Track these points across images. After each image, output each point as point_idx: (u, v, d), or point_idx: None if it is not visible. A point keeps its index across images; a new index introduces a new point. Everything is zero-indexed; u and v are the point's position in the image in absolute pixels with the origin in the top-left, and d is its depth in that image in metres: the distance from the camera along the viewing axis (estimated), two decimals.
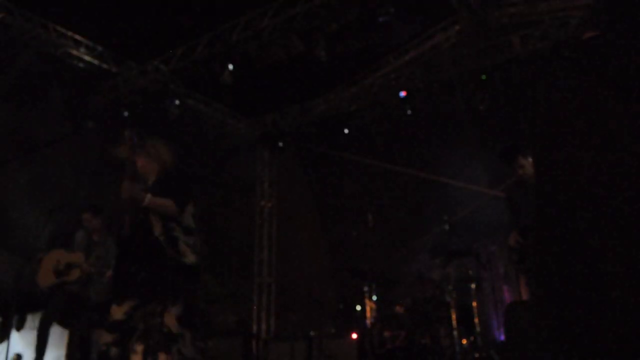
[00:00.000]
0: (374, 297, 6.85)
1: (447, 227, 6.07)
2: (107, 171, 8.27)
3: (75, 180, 7.73)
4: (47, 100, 7.77)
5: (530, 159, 4.22)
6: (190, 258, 3.24)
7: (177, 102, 8.46)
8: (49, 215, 4.83)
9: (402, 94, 8.46)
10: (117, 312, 3.11)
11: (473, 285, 6.32)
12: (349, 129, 9.25)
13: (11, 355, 5.11)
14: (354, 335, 6.50)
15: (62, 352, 5.46)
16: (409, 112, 8.53)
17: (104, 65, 8.22)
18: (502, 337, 6.28)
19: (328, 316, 7.73)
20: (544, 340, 1.34)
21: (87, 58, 8.02)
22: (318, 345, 6.21)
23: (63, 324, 5.27)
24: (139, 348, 2.99)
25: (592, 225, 1.24)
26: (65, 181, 7.55)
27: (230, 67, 7.61)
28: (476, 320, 6.18)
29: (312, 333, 7.05)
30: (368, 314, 6.69)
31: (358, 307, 7.18)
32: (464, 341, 6.16)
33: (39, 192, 7.05)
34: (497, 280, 6.80)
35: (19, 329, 5.47)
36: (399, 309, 6.49)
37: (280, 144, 9.71)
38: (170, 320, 3.06)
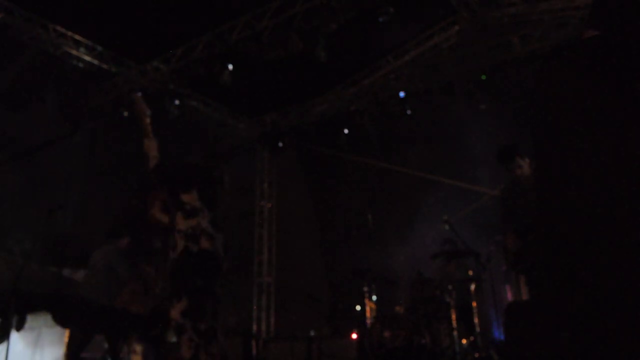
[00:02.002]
0: (374, 297, 6.85)
1: (447, 227, 6.07)
2: (98, 172, 8.30)
3: (69, 180, 7.73)
4: (44, 101, 7.77)
5: (527, 159, 4.21)
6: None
7: (177, 102, 8.45)
8: (48, 215, 4.81)
9: (402, 94, 8.46)
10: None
11: (473, 285, 6.31)
12: (349, 129, 9.24)
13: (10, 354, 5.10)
14: (354, 335, 6.50)
15: (62, 352, 5.46)
16: (409, 112, 8.52)
17: (104, 65, 8.22)
18: (502, 337, 6.28)
19: (324, 316, 7.72)
20: (544, 340, 1.34)
21: (87, 58, 8.02)
22: (318, 345, 6.21)
23: None
24: (139, 348, 3.00)
25: (593, 224, 1.24)
26: (60, 182, 7.55)
27: (230, 67, 7.61)
28: (476, 320, 6.18)
29: (312, 333, 7.05)
30: (368, 314, 6.69)
31: (358, 307, 7.17)
32: (464, 341, 6.15)
33: (38, 192, 7.05)
34: (497, 280, 6.79)
35: (18, 329, 5.46)
36: (399, 309, 6.48)
37: (280, 144, 9.71)
38: (176, 314, 3.12)
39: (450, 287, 6.29)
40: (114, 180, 8.16)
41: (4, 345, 4.71)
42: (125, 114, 8.41)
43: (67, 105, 8.24)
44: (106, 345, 4.94)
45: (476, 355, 5.92)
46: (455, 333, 5.97)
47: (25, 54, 7.53)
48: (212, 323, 3.10)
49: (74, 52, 7.87)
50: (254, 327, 9.63)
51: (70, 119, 8.14)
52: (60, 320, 5.30)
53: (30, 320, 5.56)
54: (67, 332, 5.37)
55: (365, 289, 6.79)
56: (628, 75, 1.24)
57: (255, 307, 9.84)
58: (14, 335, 5.28)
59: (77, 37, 7.85)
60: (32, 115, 7.55)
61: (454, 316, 6.04)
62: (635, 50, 1.26)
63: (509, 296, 6.93)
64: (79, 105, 8.41)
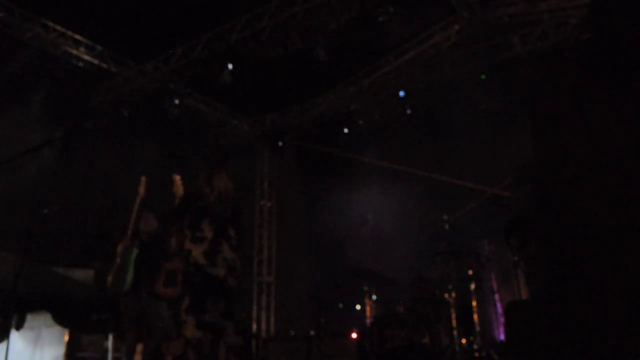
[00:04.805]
0: (374, 297, 6.85)
1: (447, 227, 6.07)
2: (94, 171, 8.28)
3: (66, 180, 7.72)
4: (40, 102, 7.76)
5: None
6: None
7: (177, 101, 8.45)
8: (44, 217, 4.82)
9: (402, 93, 8.46)
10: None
11: (473, 285, 6.31)
12: (349, 129, 9.24)
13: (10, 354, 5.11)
14: (354, 335, 6.50)
15: (61, 352, 5.46)
16: (409, 112, 8.53)
17: (104, 65, 8.22)
18: (502, 337, 6.28)
19: (322, 315, 7.72)
20: (544, 340, 1.34)
21: (87, 58, 8.02)
22: (318, 345, 6.21)
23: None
24: (139, 348, 3.00)
25: (593, 223, 1.24)
26: (57, 182, 7.55)
27: (230, 66, 7.61)
28: (476, 320, 6.18)
29: (312, 333, 7.05)
30: (368, 314, 6.69)
31: (358, 307, 7.18)
32: (464, 341, 6.15)
33: (36, 192, 7.05)
34: (497, 280, 6.79)
35: (18, 328, 5.46)
36: (399, 309, 6.48)
37: (280, 144, 9.71)
38: (182, 314, 3.10)
39: (450, 287, 6.29)
40: (111, 180, 8.14)
41: (4, 344, 4.71)
42: (125, 113, 8.41)
43: (65, 105, 8.23)
44: (107, 345, 4.95)
45: (476, 355, 5.92)
46: (455, 333, 5.97)
47: (21, 54, 7.51)
48: (218, 319, 3.07)
49: (74, 51, 7.87)
50: (254, 327, 9.63)
51: (69, 119, 8.13)
52: (60, 320, 5.31)
53: (30, 319, 5.57)
54: (67, 332, 5.37)
55: (365, 288, 6.79)
56: (626, 74, 1.24)
57: (255, 307, 9.84)
58: (14, 335, 5.29)
59: (77, 36, 7.85)
60: (31, 116, 7.55)
61: (454, 316, 6.04)
62: (633, 50, 1.26)
63: (509, 296, 6.94)
64: (77, 106, 8.40)
